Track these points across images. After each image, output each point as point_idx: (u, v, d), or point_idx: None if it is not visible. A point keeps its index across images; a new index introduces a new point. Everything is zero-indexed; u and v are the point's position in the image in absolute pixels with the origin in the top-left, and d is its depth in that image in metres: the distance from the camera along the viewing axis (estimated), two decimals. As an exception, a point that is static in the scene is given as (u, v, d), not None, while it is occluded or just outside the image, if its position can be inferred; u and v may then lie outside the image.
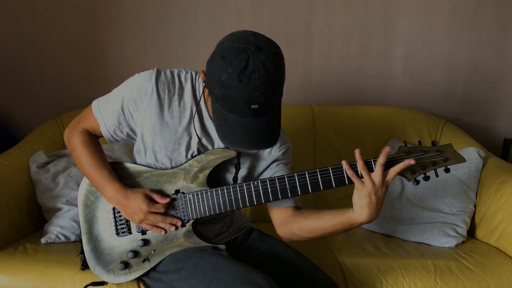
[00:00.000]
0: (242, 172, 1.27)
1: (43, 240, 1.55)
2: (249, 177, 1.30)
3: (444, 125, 2.01)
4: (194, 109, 1.20)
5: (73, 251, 1.46)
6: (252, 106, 1.00)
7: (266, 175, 1.27)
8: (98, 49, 2.12)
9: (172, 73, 1.21)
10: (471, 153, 1.75)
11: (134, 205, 1.18)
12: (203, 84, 1.12)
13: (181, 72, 1.22)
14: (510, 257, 1.53)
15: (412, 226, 1.69)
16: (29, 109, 2.18)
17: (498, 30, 2.12)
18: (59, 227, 1.60)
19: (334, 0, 2.08)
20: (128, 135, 1.25)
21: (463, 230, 1.64)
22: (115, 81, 1.23)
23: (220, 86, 1.00)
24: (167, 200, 1.20)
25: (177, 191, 1.22)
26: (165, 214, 1.21)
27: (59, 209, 1.66)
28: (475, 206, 1.70)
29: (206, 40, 2.10)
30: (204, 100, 1.20)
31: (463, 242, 1.64)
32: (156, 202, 1.20)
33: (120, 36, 2.11)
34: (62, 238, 1.57)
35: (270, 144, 1.07)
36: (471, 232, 1.71)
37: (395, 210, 1.77)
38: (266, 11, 2.09)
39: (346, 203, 1.91)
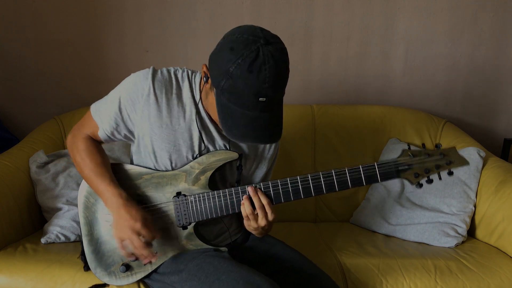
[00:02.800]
0: (245, 174, 1.26)
1: (43, 240, 1.55)
2: (252, 178, 1.30)
3: (444, 125, 2.01)
4: (194, 110, 1.18)
5: (73, 251, 1.46)
6: (260, 99, 1.00)
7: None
8: (98, 49, 2.12)
9: (168, 72, 1.19)
10: (471, 153, 1.75)
11: (130, 220, 1.12)
12: (204, 79, 1.10)
13: (177, 71, 1.21)
14: (510, 257, 1.53)
15: (412, 226, 1.69)
16: (29, 109, 2.18)
17: (498, 30, 2.12)
18: (59, 227, 1.60)
19: (334, 0, 2.08)
20: (125, 136, 1.22)
21: (463, 230, 1.64)
22: (115, 81, 1.22)
23: (228, 78, 0.99)
24: (159, 236, 1.16)
25: (178, 194, 1.21)
26: (147, 245, 1.14)
27: (59, 209, 1.66)
28: (475, 206, 1.70)
29: (206, 40, 2.10)
30: (201, 100, 1.18)
31: (463, 242, 1.64)
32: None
33: (120, 36, 2.11)
34: (62, 238, 1.58)
35: (273, 140, 1.06)
36: (471, 232, 1.71)
37: (395, 210, 1.77)
38: (266, 11, 2.09)
39: (346, 203, 1.95)
